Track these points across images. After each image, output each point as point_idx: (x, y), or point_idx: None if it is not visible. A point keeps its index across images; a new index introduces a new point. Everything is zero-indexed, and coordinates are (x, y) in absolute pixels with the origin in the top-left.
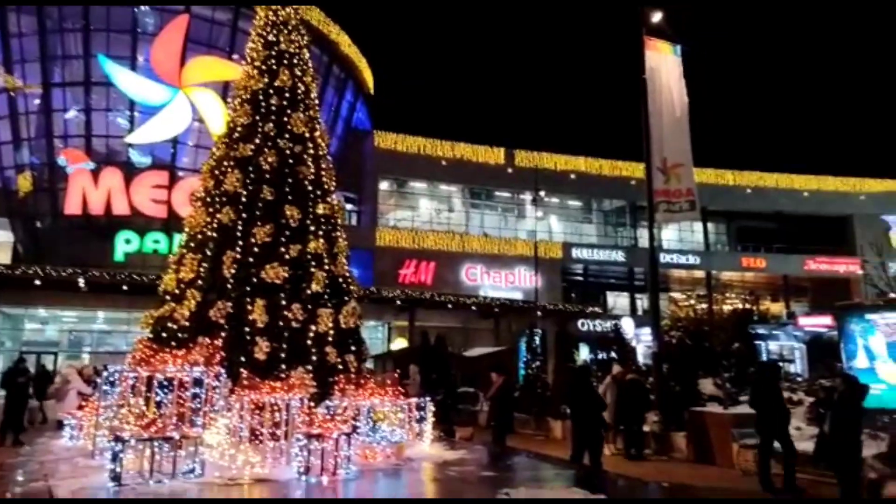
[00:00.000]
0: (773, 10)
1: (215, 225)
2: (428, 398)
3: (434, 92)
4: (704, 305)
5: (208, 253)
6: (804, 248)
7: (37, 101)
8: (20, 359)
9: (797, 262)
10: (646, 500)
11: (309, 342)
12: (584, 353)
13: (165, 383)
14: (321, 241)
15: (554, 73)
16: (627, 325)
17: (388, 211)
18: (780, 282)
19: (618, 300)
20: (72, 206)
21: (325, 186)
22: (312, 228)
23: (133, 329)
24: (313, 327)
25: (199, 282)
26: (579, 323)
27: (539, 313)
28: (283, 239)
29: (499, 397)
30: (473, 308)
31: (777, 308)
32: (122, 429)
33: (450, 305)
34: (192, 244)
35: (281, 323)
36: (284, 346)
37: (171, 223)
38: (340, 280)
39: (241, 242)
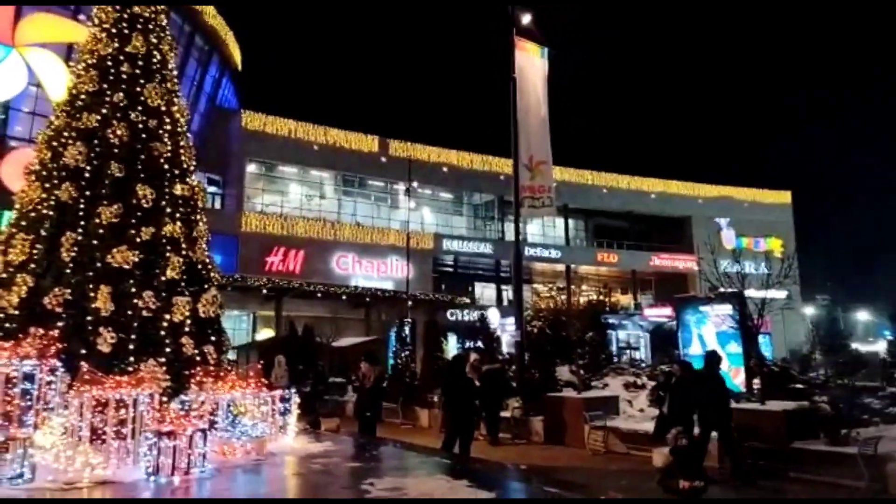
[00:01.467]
0: (640, 17)
1: (52, 202)
2: (293, 390)
3: (307, 74)
4: (564, 297)
5: (43, 233)
6: (650, 245)
7: None
8: None
9: (644, 258)
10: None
11: (163, 333)
12: (452, 343)
13: None
14: (178, 224)
15: (429, 66)
16: (493, 316)
17: (256, 195)
18: (629, 275)
19: (485, 291)
20: None
21: (184, 166)
22: (168, 210)
23: None
24: (167, 316)
25: (32, 265)
26: (448, 313)
27: (410, 303)
28: (133, 221)
29: (372, 388)
30: (344, 297)
31: (626, 300)
32: None
33: (319, 295)
34: (23, 223)
35: (130, 312)
36: (133, 336)
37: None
38: (199, 266)
39: (83, 223)
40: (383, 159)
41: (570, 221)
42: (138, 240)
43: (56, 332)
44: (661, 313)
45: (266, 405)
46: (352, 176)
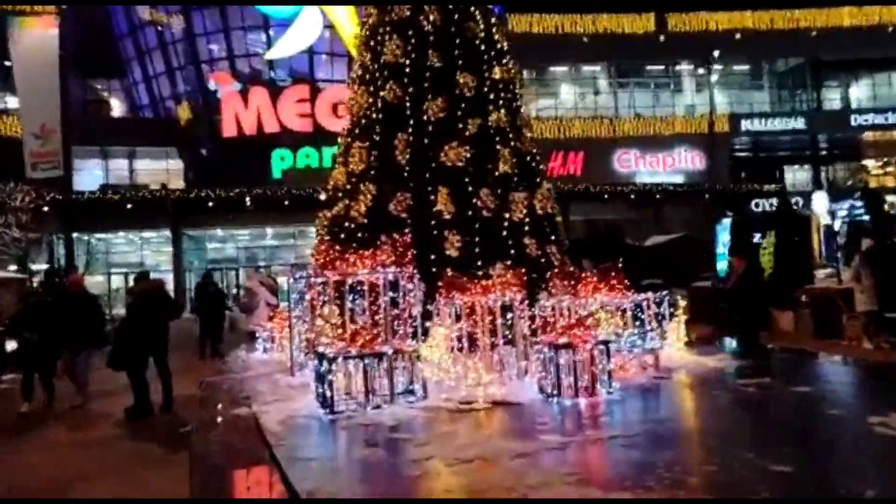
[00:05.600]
0: None
1: (380, 105)
2: (664, 292)
3: None
4: None
5: (376, 138)
6: None
7: (180, 29)
8: (207, 273)
9: None
10: None
11: (504, 233)
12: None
13: (357, 288)
14: (502, 111)
15: None
16: (819, 202)
17: (529, 101)
18: None
19: (797, 175)
20: (228, 129)
21: (499, 46)
22: (491, 97)
23: (298, 243)
24: (507, 215)
25: (372, 172)
26: (753, 204)
27: (707, 196)
28: (459, 113)
29: (741, 286)
30: (632, 197)
31: None
32: (321, 343)
33: (606, 196)
34: (356, 131)
35: (470, 212)
36: (477, 239)
37: (318, 136)
38: (528, 158)
39: (411, 122)
40: (661, 38)
41: None
42: (466, 133)
43: (408, 238)
44: None
45: (642, 312)
46: (627, 64)
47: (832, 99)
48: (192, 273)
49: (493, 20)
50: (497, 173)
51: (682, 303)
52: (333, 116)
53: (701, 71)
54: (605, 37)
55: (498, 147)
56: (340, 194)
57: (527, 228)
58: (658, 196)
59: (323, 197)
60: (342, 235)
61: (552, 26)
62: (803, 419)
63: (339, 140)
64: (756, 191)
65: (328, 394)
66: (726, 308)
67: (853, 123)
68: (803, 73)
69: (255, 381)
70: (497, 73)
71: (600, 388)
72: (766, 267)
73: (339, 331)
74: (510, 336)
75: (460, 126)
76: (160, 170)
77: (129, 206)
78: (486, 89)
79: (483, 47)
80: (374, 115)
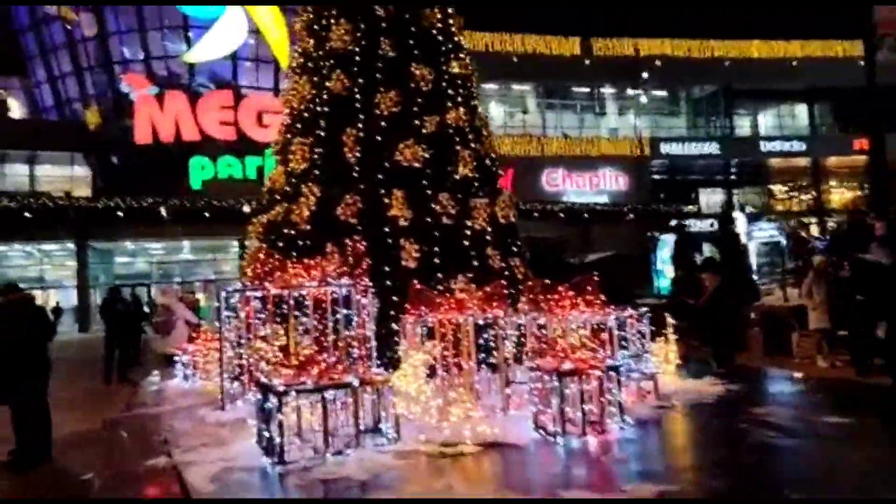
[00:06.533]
0: None
1: (325, 96)
2: (644, 309)
3: None
4: (806, 197)
5: (321, 134)
6: None
7: (90, 27)
8: (114, 288)
9: None
10: None
11: (466, 243)
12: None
13: (304, 304)
14: (461, 109)
15: None
16: (739, 222)
17: None
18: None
19: (711, 198)
20: (142, 135)
21: (456, 39)
22: (450, 93)
23: (218, 257)
24: (468, 223)
25: (316, 172)
26: (675, 224)
27: (631, 216)
28: (414, 108)
29: (716, 303)
30: (561, 215)
31: None
32: (262, 371)
33: (536, 214)
34: (297, 125)
35: (428, 219)
36: (436, 248)
37: (241, 145)
38: (487, 162)
39: (361, 116)
40: (587, 62)
41: (816, 106)
42: (424, 131)
43: (361, 247)
44: None
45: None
46: (554, 85)
47: (742, 126)
48: (97, 289)
49: (450, 10)
50: (456, 176)
51: (671, 321)
52: (258, 125)
53: (629, 92)
54: (534, 57)
55: (457, 148)
56: (278, 197)
57: (489, 238)
58: (586, 215)
59: (247, 209)
60: (280, 244)
61: (482, 44)
62: (861, 451)
63: (276, 137)
64: (678, 212)
65: (276, 438)
66: (697, 326)
67: (762, 149)
68: (717, 100)
69: (174, 419)
70: (455, 68)
71: (610, 423)
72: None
73: (281, 355)
74: (490, 361)
75: (416, 123)
76: (64, 177)
77: (27, 214)
78: (444, 84)
79: (440, 38)
80: (319, 108)
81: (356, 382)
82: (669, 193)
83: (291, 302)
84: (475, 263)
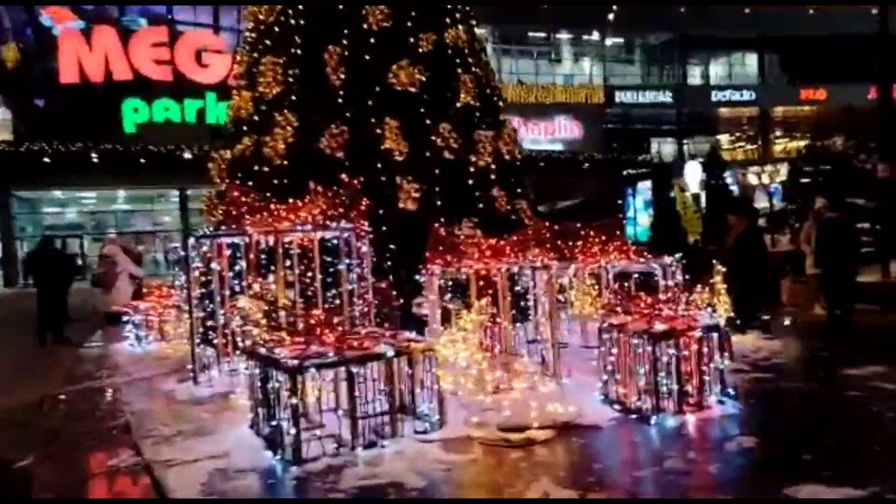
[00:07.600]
0: None
1: (300, 7)
2: (679, 255)
3: None
4: (754, 146)
5: (296, 52)
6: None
7: None
8: (46, 239)
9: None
10: None
11: (470, 182)
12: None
13: (288, 253)
14: (460, 28)
15: None
16: (692, 171)
17: None
18: (839, 116)
19: (662, 147)
20: (67, 74)
21: None
22: (448, 7)
23: (157, 208)
24: (472, 159)
25: (292, 98)
26: (624, 173)
27: (587, 165)
28: (408, 24)
29: (745, 247)
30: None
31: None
32: (253, 338)
33: None
34: (266, 42)
35: (427, 153)
36: (437, 188)
37: (178, 86)
38: (489, 91)
39: (346, 31)
40: (544, 5)
41: (766, 57)
42: (420, 50)
43: (357, 183)
44: None
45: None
46: (510, 30)
47: (694, 76)
48: (24, 242)
49: None
50: (458, 104)
51: (720, 268)
52: (197, 65)
53: (584, 38)
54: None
55: (458, 71)
56: (245, 128)
57: (493, 177)
58: (541, 163)
59: (188, 155)
60: (250, 182)
61: None
62: None
63: (238, 57)
64: (631, 160)
65: (288, 430)
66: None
67: (713, 99)
68: (671, 49)
69: (134, 394)
70: None
71: (709, 397)
72: (693, 229)
73: (276, 317)
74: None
75: (411, 41)
76: None
77: None
78: None
79: None
80: (293, 21)
81: (390, 352)
82: (622, 143)
83: (280, 250)
84: (480, 206)
